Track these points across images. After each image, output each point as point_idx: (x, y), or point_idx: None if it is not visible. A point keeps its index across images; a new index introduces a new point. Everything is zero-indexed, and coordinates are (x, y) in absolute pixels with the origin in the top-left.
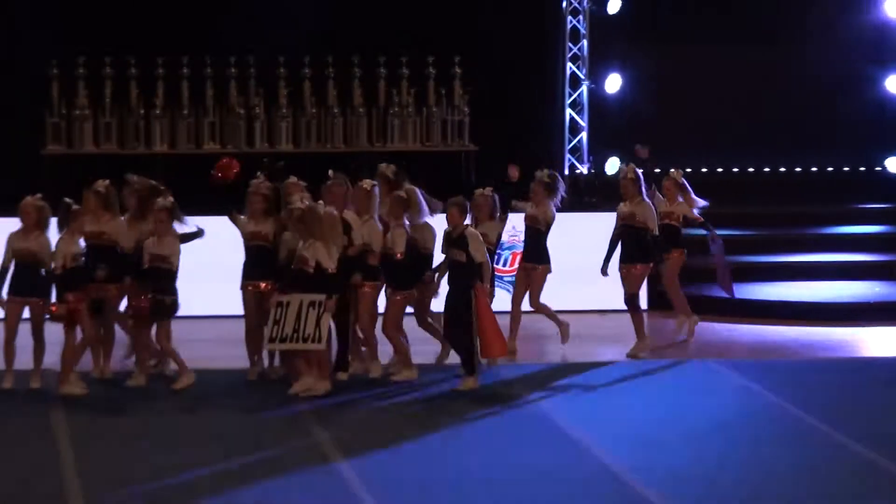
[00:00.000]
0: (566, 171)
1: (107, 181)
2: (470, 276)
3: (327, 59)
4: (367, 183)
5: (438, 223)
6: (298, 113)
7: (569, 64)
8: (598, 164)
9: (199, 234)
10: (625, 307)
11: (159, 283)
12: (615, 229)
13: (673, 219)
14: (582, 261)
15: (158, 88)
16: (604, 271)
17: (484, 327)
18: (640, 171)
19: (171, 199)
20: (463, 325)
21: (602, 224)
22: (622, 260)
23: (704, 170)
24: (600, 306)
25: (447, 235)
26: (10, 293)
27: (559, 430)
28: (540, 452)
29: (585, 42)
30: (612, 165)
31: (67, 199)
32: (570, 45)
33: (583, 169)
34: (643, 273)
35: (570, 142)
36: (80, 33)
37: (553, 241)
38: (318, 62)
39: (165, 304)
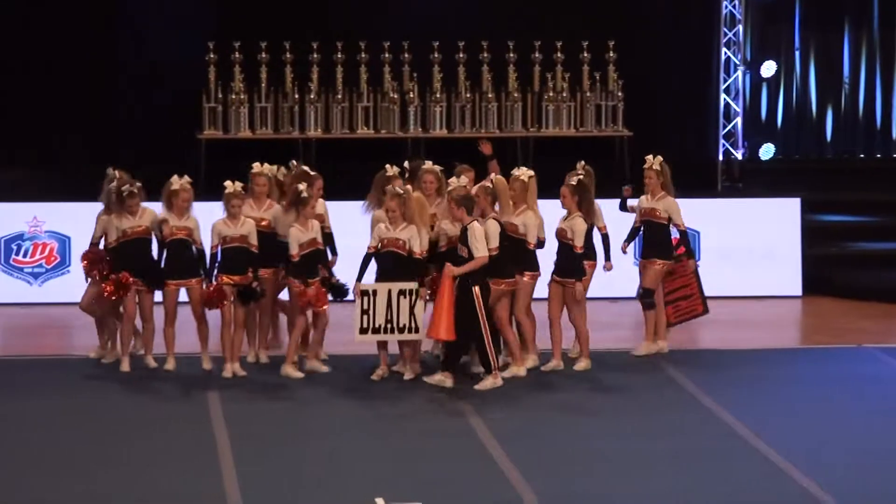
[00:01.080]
0: (720, 157)
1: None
2: (470, 273)
3: (482, 44)
4: (523, 173)
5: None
6: (452, 98)
7: (723, 49)
8: (752, 150)
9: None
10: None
11: (319, 265)
12: (634, 222)
13: (655, 216)
14: (740, 244)
15: (313, 73)
16: (623, 249)
17: (439, 307)
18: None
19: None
20: (468, 322)
21: (755, 209)
22: (642, 255)
23: (862, 155)
24: (767, 291)
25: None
26: (166, 277)
27: (722, 420)
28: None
29: (741, 27)
30: (767, 151)
31: (227, 183)
32: (726, 29)
33: (737, 154)
34: (662, 270)
35: (725, 127)
36: (236, 18)
37: (710, 227)
38: (473, 47)
39: (341, 287)
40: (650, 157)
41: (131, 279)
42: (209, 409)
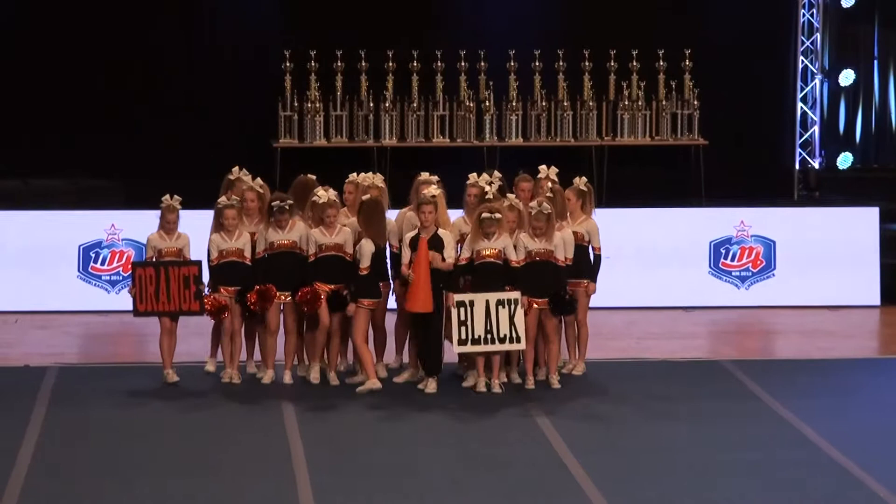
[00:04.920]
0: (797, 166)
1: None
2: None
3: (557, 53)
4: (582, 182)
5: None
6: (528, 106)
7: (801, 57)
8: (829, 159)
9: None
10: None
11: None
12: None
13: (580, 240)
14: (817, 254)
15: (388, 81)
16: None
17: (417, 280)
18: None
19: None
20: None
21: (833, 218)
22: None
23: None
24: (844, 301)
25: None
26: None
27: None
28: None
29: (818, 35)
30: (845, 160)
31: (320, 192)
32: (803, 38)
33: (814, 163)
34: (591, 290)
35: (802, 136)
36: (311, 27)
37: (786, 237)
38: (548, 55)
39: (345, 297)
40: (576, 178)
41: (276, 292)
42: (283, 416)
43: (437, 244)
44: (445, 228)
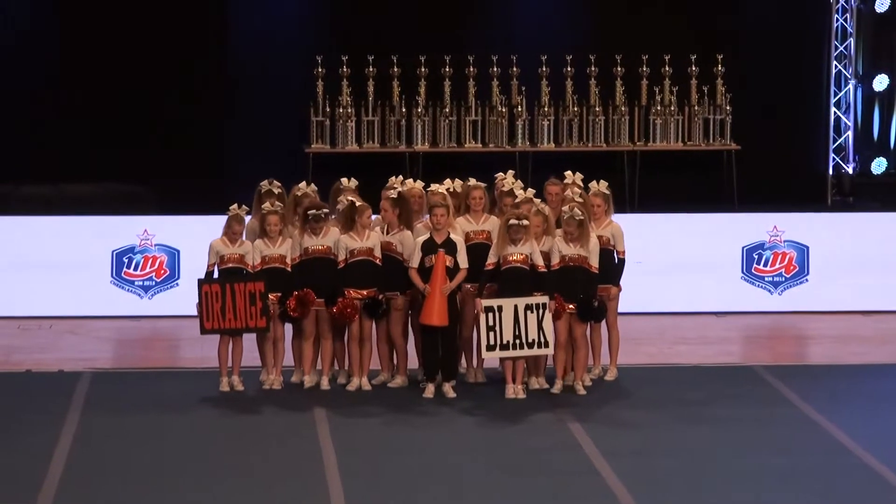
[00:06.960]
0: (830, 171)
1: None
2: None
3: (589, 58)
4: (604, 186)
5: None
6: (560, 111)
7: (834, 62)
8: (863, 164)
9: None
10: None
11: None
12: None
13: (605, 244)
14: (851, 259)
15: (420, 87)
16: None
17: (433, 294)
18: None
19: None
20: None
21: (867, 223)
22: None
23: None
24: (878, 306)
25: None
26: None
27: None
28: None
29: (852, 41)
30: (879, 165)
31: (351, 199)
32: (836, 43)
33: (848, 169)
34: (618, 294)
35: (835, 141)
36: (343, 32)
37: (819, 242)
38: (580, 60)
39: (381, 302)
40: (593, 182)
41: (315, 297)
42: (316, 421)
43: (450, 249)
44: (455, 232)
